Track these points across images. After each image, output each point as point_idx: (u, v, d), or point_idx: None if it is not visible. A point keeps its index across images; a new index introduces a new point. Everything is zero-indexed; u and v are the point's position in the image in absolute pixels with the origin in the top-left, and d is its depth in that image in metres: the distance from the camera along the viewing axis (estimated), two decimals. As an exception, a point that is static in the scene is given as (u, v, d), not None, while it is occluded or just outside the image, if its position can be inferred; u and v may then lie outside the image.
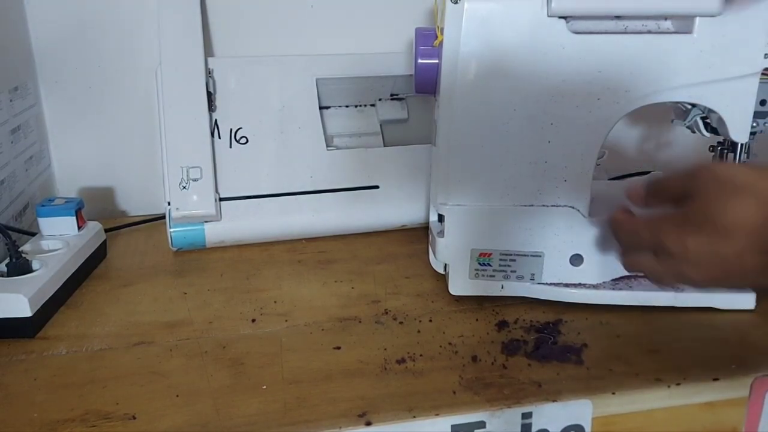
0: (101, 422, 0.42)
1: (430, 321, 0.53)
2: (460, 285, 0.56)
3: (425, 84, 0.55)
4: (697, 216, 0.41)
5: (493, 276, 0.55)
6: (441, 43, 0.51)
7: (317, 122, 0.72)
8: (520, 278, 0.55)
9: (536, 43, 0.50)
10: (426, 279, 0.60)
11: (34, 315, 0.52)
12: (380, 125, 0.75)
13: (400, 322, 0.53)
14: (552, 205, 0.54)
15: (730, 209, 0.39)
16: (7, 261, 0.55)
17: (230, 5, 0.76)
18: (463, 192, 0.54)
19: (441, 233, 0.55)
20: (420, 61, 0.55)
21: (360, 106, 0.77)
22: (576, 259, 0.54)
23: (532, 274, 0.55)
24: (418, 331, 0.52)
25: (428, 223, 0.60)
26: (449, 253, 0.55)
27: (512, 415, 0.42)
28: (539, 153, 0.53)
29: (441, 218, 0.56)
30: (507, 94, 0.52)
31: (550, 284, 0.55)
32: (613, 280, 0.55)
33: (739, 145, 0.55)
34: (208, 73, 0.70)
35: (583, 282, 0.55)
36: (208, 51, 0.75)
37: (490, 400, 0.43)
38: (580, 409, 0.43)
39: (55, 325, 0.54)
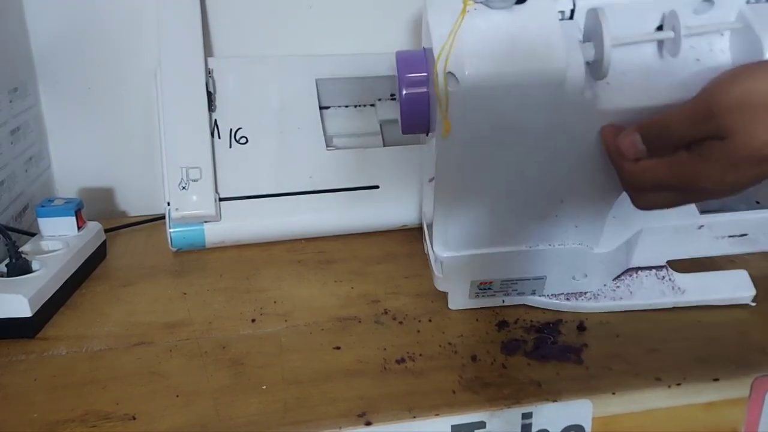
0: (101, 422, 0.42)
1: (430, 321, 0.53)
2: (460, 303, 0.55)
3: (416, 122, 0.47)
4: (737, 153, 0.37)
5: (494, 296, 0.54)
6: (449, 131, 0.44)
7: (317, 122, 0.72)
8: (521, 294, 0.54)
9: (555, 122, 0.44)
10: (426, 279, 0.60)
11: (34, 315, 0.52)
12: (380, 125, 0.75)
13: (400, 322, 0.53)
14: (559, 245, 0.51)
15: None
16: (7, 261, 0.55)
17: (230, 5, 0.76)
18: (462, 243, 0.51)
19: (438, 266, 0.53)
20: (406, 92, 0.45)
21: (359, 106, 0.77)
22: (579, 276, 0.53)
23: (534, 290, 0.54)
24: (418, 331, 0.52)
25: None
26: (448, 285, 0.54)
27: (512, 415, 0.42)
28: (550, 209, 0.49)
29: None
30: (516, 165, 0.46)
31: (551, 296, 0.54)
32: (613, 280, 0.54)
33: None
34: (208, 73, 0.70)
35: (584, 290, 0.54)
36: (208, 51, 0.75)
37: (490, 400, 0.43)
38: (580, 409, 0.43)
39: (55, 326, 0.54)
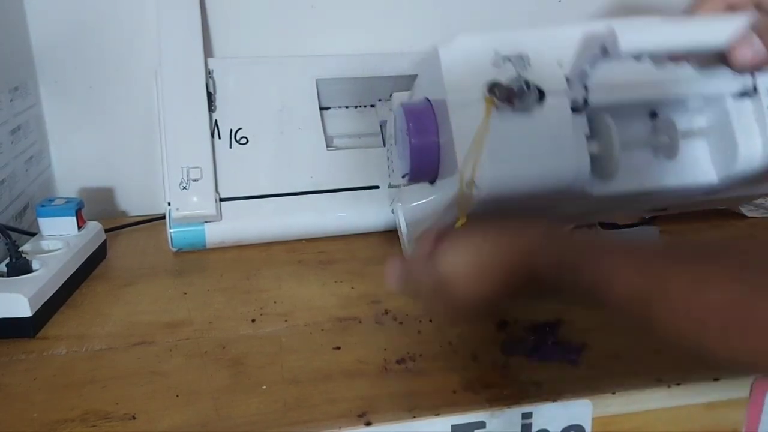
0: (101, 422, 0.42)
1: (430, 321, 0.53)
2: None
3: (425, 170, 0.47)
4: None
5: None
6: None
7: (317, 123, 0.72)
8: None
9: (554, 205, 0.48)
10: (426, 279, 0.60)
11: (34, 315, 0.52)
12: (380, 126, 0.75)
13: (400, 322, 0.53)
14: None
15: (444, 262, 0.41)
16: (7, 261, 0.55)
17: (230, 5, 0.76)
18: None
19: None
20: (414, 141, 0.46)
21: (360, 107, 0.77)
22: None
23: None
24: (418, 332, 0.52)
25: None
26: None
27: (512, 415, 0.42)
28: None
29: None
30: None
31: None
32: None
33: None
34: (208, 73, 0.70)
35: None
36: (208, 51, 0.75)
37: (490, 400, 0.42)
38: (580, 409, 0.43)
39: (55, 325, 0.54)
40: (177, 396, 0.44)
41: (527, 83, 0.42)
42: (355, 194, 0.71)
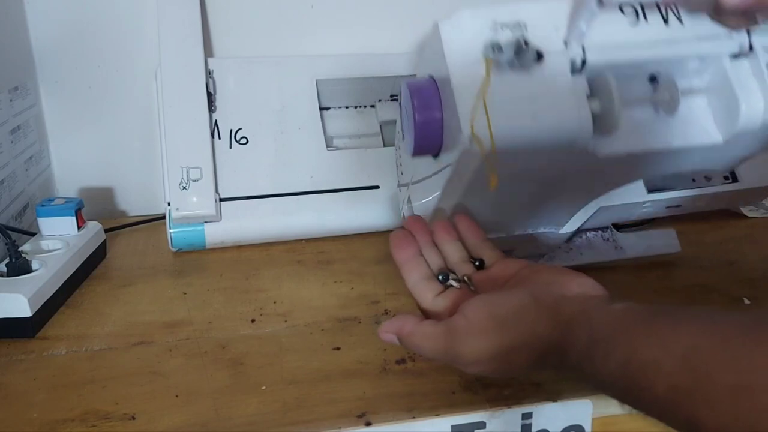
0: (101, 422, 0.42)
1: (430, 321, 0.53)
2: None
3: (428, 145, 0.49)
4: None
5: None
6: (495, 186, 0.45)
7: (317, 123, 0.72)
8: None
9: (558, 164, 0.47)
10: (426, 279, 0.60)
11: (34, 315, 0.52)
12: (380, 126, 0.75)
13: (400, 323, 0.53)
14: (531, 231, 0.58)
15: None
16: (6, 261, 0.55)
17: (230, 5, 0.76)
18: None
19: None
20: (419, 118, 0.47)
21: (360, 107, 0.77)
22: (544, 248, 0.60)
23: None
24: (418, 332, 0.51)
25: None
26: None
27: (512, 416, 0.42)
28: (534, 211, 0.55)
29: None
30: (515, 187, 0.50)
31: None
32: (566, 242, 0.60)
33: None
34: (208, 73, 0.70)
35: (542, 253, 0.60)
36: (208, 51, 0.75)
37: (490, 400, 0.43)
38: (581, 410, 0.43)
39: (55, 325, 0.54)
40: (177, 396, 0.44)
41: (525, 42, 0.44)
42: (355, 194, 0.71)
